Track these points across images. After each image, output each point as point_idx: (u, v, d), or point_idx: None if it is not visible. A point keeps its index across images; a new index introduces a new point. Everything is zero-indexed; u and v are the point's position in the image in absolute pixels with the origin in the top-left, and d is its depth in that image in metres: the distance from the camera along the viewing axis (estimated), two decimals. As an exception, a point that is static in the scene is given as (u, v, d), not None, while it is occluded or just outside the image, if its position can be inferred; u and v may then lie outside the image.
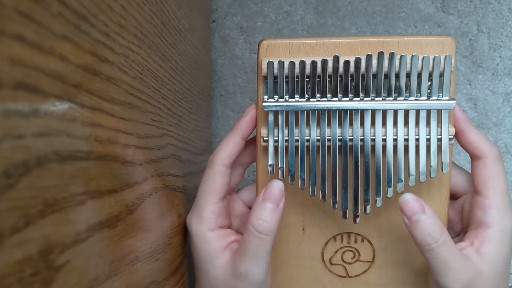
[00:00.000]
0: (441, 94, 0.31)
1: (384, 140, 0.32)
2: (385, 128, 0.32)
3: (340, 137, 0.32)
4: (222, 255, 0.33)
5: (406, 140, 0.32)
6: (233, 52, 0.58)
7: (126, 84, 0.25)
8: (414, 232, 0.31)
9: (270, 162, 0.32)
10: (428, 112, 0.32)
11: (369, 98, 0.31)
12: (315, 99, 0.31)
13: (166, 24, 0.33)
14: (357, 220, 0.33)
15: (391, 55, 0.30)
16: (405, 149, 0.32)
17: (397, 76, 0.31)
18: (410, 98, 0.31)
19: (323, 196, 0.32)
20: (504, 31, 0.54)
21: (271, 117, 0.32)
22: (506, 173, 0.33)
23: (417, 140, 0.32)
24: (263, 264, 0.32)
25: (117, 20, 0.23)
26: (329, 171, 0.32)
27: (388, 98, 0.31)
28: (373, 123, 0.32)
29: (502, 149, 0.54)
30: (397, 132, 0.32)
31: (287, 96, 0.31)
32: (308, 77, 0.31)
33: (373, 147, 0.32)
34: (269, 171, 0.32)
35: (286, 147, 0.32)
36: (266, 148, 0.32)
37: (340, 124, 0.32)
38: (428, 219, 0.31)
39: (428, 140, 0.32)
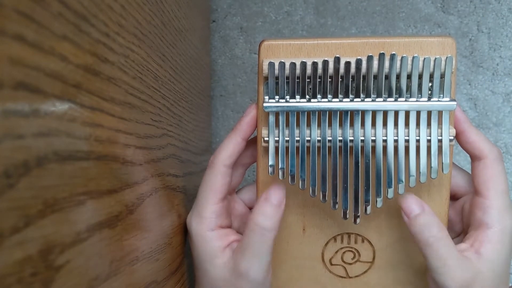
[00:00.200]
0: (441, 95, 0.31)
1: (385, 141, 0.32)
2: (386, 129, 0.32)
3: (341, 138, 0.32)
4: (222, 254, 0.33)
5: (407, 141, 0.32)
6: (233, 52, 0.58)
7: (126, 84, 0.25)
8: (413, 228, 0.32)
9: (270, 162, 0.32)
10: (429, 113, 0.32)
11: (370, 99, 0.31)
12: (316, 100, 0.31)
13: (166, 24, 0.33)
14: (358, 220, 0.33)
15: (392, 56, 0.30)
16: (405, 150, 0.32)
17: (398, 77, 0.31)
18: (410, 99, 0.31)
19: (324, 196, 0.32)
20: (504, 31, 0.54)
21: (272, 118, 0.32)
22: (506, 173, 0.33)
23: (418, 141, 0.32)
24: (264, 263, 0.32)
25: (117, 20, 0.23)
26: (329, 172, 0.32)
27: (389, 99, 0.31)
28: (373, 124, 0.32)
29: (502, 149, 0.54)
30: (397, 133, 0.32)
31: (288, 97, 0.31)
32: (309, 77, 0.31)
33: (373, 148, 0.32)
34: (269, 172, 0.32)
35: (287, 148, 0.32)
36: (266, 149, 0.32)
37: (341, 125, 0.32)
38: (427, 216, 0.32)
39: (429, 141, 0.32)
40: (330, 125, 0.32)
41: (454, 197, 0.36)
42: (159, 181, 0.31)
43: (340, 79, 0.31)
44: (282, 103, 0.31)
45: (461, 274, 0.31)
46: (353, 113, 0.31)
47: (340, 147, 0.32)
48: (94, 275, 0.20)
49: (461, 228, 0.36)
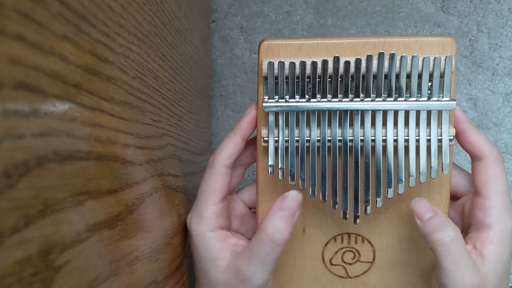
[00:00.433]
0: (441, 95, 0.31)
1: (385, 140, 0.32)
2: (386, 128, 0.32)
3: (341, 138, 0.32)
4: (222, 256, 0.33)
5: (407, 140, 0.32)
6: (233, 52, 0.58)
7: (126, 84, 0.25)
8: (427, 229, 0.31)
9: (270, 162, 0.32)
10: (429, 112, 0.32)
11: (370, 99, 0.31)
12: (315, 100, 0.31)
13: (166, 24, 0.33)
14: (358, 220, 0.33)
15: (392, 56, 0.30)
16: (405, 149, 0.32)
17: (398, 76, 0.31)
18: (410, 99, 0.31)
19: (323, 196, 0.32)
20: (504, 31, 0.54)
21: (271, 118, 0.32)
22: (506, 173, 0.33)
23: (418, 141, 0.32)
24: (269, 270, 0.32)
25: (117, 20, 0.23)
26: (329, 172, 0.32)
27: (388, 99, 0.31)
28: (373, 123, 0.32)
29: (502, 149, 0.54)
30: (397, 132, 0.32)
31: (287, 97, 0.31)
32: (308, 77, 0.31)
33: (373, 147, 0.32)
34: (269, 172, 0.32)
35: (287, 148, 0.32)
36: (266, 149, 0.32)
37: (340, 125, 0.32)
38: (440, 218, 0.32)
39: (429, 141, 0.32)
40: (329, 125, 0.32)
41: (454, 197, 0.36)
42: (159, 181, 0.31)
43: (339, 79, 0.31)
44: (282, 103, 0.31)
45: (471, 277, 0.30)
46: (352, 113, 0.31)
47: (339, 147, 0.32)
48: (94, 275, 0.21)
49: (462, 228, 0.36)
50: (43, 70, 0.16)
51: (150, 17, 0.29)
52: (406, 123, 0.32)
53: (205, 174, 0.34)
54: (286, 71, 0.31)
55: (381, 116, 0.31)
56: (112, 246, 0.23)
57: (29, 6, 0.15)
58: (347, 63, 0.30)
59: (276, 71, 0.31)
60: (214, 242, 0.33)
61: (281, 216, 0.32)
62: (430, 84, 0.31)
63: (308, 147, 0.32)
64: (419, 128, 0.32)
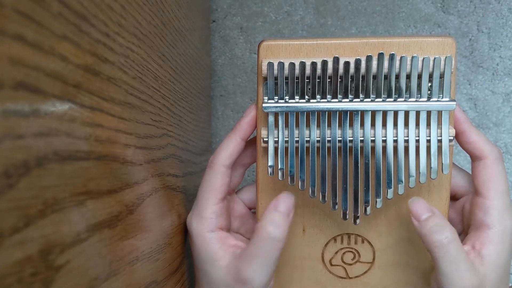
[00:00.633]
0: (441, 95, 0.31)
1: (384, 141, 0.32)
2: (385, 129, 0.32)
3: (340, 138, 0.32)
4: (222, 257, 0.33)
5: (406, 141, 0.32)
6: (233, 52, 0.58)
7: (126, 84, 0.25)
8: (424, 230, 0.31)
9: (270, 163, 0.32)
10: (428, 113, 0.32)
11: (369, 99, 0.31)
12: (315, 100, 0.31)
13: (166, 24, 0.33)
14: (357, 221, 0.33)
15: (391, 56, 0.30)
16: (405, 150, 0.32)
17: (397, 77, 0.31)
18: (410, 99, 0.31)
19: (323, 197, 0.32)
20: (504, 31, 0.54)
21: (271, 118, 0.32)
22: (506, 173, 0.33)
23: (417, 141, 0.32)
24: (269, 271, 0.32)
25: (117, 20, 0.23)
26: (329, 172, 0.32)
27: (388, 99, 0.31)
28: (373, 124, 0.32)
29: (502, 149, 0.54)
30: (397, 133, 0.32)
31: (287, 97, 0.31)
32: (308, 78, 0.31)
33: (373, 148, 0.32)
34: (269, 172, 0.32)
35: (286, 148, 0.32)
36: (266, 149, 0.32)
37: (340, 125, 0.32)
38: (437, 218, 0.31)
39: (428, 141, 0.32)
40: (329, 125, 0.32)
41: (454, 197, 0.36)
42: (159, 181, 0.31)
43: (339, 79, 0.31)
44: (281, 104, 0.31)
45: (469, 278, 0.30)
46: (352, 113, 0.31)
47: (339, 147, 0.32)
48: (94, 275, 0.21)
49: (461, 228, 0.36)
50: (43, 70, 0.16)
51: (150, 17, 0.29)
52: (406, 124, 0.32)
53: (205, 174, 0.34)
54: (286, 71, 0.31)
55: (380, 117, 0.31)
56: (112, 246, 0.23)
57: (29, 6, 0.15)
58: (346, 64, 0.30)
59: (275, 72, 0.31)
60: (214, 243, 0.33)
61: (277, 215, 0.32)
62: (430, 84, 0.31)
63: (307, 148, 0.32)
64: (419, 129, 0.32)
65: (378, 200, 0.32)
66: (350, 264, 0.36)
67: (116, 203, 0.23)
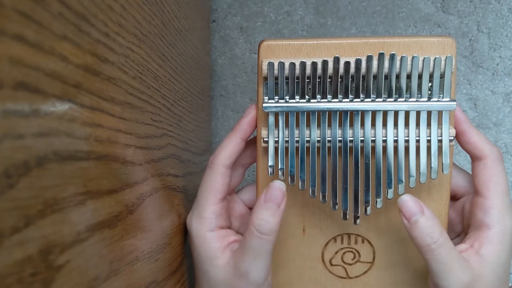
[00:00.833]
0: (441, 95, 0.31)
1: (385, 141, 0.32)
2: (386, 129, 0.32)
3: (341, 138, 0.32)
4: (222, 255, 0.33)
5: (407, 141, 0.32)
6: (233, 52, 0.58)
7: (126, 84, 0.25)
8: (414, 233, 0.31)
9: (270, 163, 0.32)
10: (429, 113, 0.32)
11: (370, 99, 0.31)
12: (315, 100, 0.31)
13: (166, 24, 0.33)
14: (358, 221, 0.33)
15: (392, 56, 0.30)
16: (405, 150, 0.32)
17: (398, 77, 0.31)
18: (410, 100, 0.31)
19: (323, 197, 0.32)
20: (504, 31, 0.54)
21: (271, 118, 0.32)
22: (506, 173, 0.33)
23: (418, 141, 0.32)
24: (264, 264, 0.32)
25: (117, 20, 0.23)
26: (329, 172, 0.32)
27: (388, 99, 0.31)
28: (373, 124, 0.32)
29: (502, 149, 0.54)
30: (397, 133, 0.32)
31: (287, 97, 0.31)
32: (308, 78, 0.31)
33: (373, 148, 0.32)
34: (269, 172, 0.32)
35: (287, 148, 0.32)
36: (266, 149, 0.32)
37: (340, 125, 0.32)
38: (427, 220, 0.31)
39: (429, 141, 0.32)
40: (329, 125, 0.32)
41: (454, 197, 0.36)
42: (159, 181, 0.31)
43: (339, 79, 0.31)
44: (282, 104, 0.31)
45: (462, 277, 0.31)
46: (352, 113, 0.31)
47: (339, 147, 0.32)
48: (94, 275, 0.20)
49: (462, 228, 0.36)
50: (43, 70, 0.16)
51: (150, 17, 0.29)
52: (406, 124, 0.32)
53: (205, 174, 0.34)
54: (286, 71, 0.31)
55: (381, 117, 0.31)
56: (112, 246, 0.23)
57: (29, 6, 0.15)
58: (347, 64, 0.30)
59: (276, 72, 0.31)
60: (214, 242, 0.33)
61: (266, 207, 0.32)
62: (430, 84, 0.31)
63: (308, 148, 0.32)
64: (419, 129, 0.32)
65: (378, 200, 0.32)
66: (350, 264, 0.36)
67: (116, 203, 0.23)
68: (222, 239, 0.34)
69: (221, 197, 0.34)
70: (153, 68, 0.30)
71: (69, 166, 0.18)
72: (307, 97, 0.31)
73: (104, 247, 0.22)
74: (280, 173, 0.32)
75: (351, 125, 0.32)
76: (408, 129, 0.32)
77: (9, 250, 0.14)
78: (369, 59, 0.30)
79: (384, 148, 0.32)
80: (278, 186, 0.32)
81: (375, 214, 0.35)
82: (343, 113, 0.31)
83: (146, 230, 0.28)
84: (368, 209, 0.33)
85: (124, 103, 0.25)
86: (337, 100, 0.31)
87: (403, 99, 0.31)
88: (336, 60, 0.30)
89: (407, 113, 0.31)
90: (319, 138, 0.32)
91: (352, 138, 0.32)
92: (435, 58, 0.31)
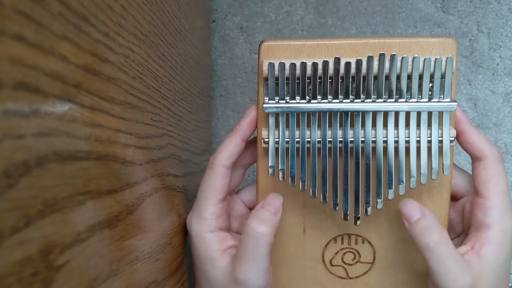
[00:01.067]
0: (442, 96, 0.31)
1: (385, 142, 0.32)
2: (386, 130, 0.32)
3: (341, 139, 0.32)
4: (221, 257, 0.33)
5: (407, 142, 0.32)
6: (233, 52, 0.58)
7: (126, 84, 0.25)
8: (414, 233, 0.32)
9: (270, 163, 0.32)
10: (429, 113, 0.31)
11: (370, 100, 0.31)
12: (316, 101, 0.31)
13: (166, 24, 0.33)
14: (358, 221, 0.33)
15: (392, 57, 0.30)
16: (406, 151, 0.32)
17: (398, 77, 0.31)
18: (411, 100, 0.31)
19: (324, 197, 0.32)
20: (504, 31, 0.54)
21: (271, 119, 0.32)
22: (506, 174, 0.33)
23: (418, 142, 0.32)
24: (261, 268, 0.31)
25: (117, 20, 0.23)
26: (330, 173, 0.32)
27: (389, 100, 0.31)
28: (374, 125, 0.32)
29: (502, 149, 0.54)
30: (398, 134, 0.32)
31: (288, 98, 0.31)
32: (309, 78, 0.31)
33: (374, 148, 0.32)
34: (269, 173, 0.32)
35: (287, 149, 0.32)
36: (266, 150, 0.32)
37: (341, 126, 0.32)
38: (427, 221, 0.31)
39: (429, 142, 0.32)
40: (330, 126, 0.32)
41: (454, 198, 0.36)
42: (159, 181, 0.31)
43: (340, 80, 0.31)
44: (282, 104, 0.31)
45: (462, 278, 0.31)
46: (353, 114, 0.31)
47: (340, 148, 0.32)
48: (94, 275, 0.20)
49: (462, 228, 0.36)
50: (43, 70, 0.16)
51: (150, 17, 0.29)
52: (407, 124, 0.32)
53: (205, 174, 0.34)
54: (287, 72, 0.31)
55: (382, 117, 0.31)
56: (112, 246, 0.23)
57: (29, 6, 0.15)
58: (347, 64, 0.30)
59: (276, 72, 0.31)
60: (213, 243, 0.33)
61: (263, 211, 0.32)
62: (430, 85, 0.31)
63: (308, 148, 0.32)
64: (419, 129, 0.32)
65: (379, 200, 0.32)
66: (351, 265, 0.36)
67: (116, 203, 0.23)
68: (221, 241, 0.34)
69: (221, 197, 0.34)
70: (153, 68, 0.30)
71: (69, 166, 0.18)
72: (307, 97, 0.31)
73: (104, 247, 0.22)
74: (280, 173, 0.32)
75: (352, 125, 0.32)
76: (409, 129, 0.32)
77: (9, 250, 0.14)
78: (370, 59, 0.30)
79: (385, 149, 0.32)
80: (276, 197, 0.34)
81: (376, 215, 0.35)
82: (344, 113, 0.31)
83: (146, 230, 0.28)
84: (369, 209, 0.33)
85: (124, 103, 0.25)
86: (337, 100, 0.31)
87: (404, 100, 0.31)
88: (337, 60, 0.30)
89: (407, 114, 0.31)
90: (320, 139, 0.32)
91: (352, 139, 0.32)
92: (435, 59, 0.31)
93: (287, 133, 0.32)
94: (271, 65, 0.31)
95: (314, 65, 0.31)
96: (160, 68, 0.32)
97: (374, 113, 0.31)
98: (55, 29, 0.17)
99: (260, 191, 0.35)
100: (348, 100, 0.31)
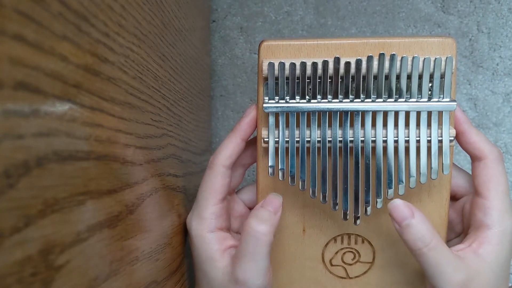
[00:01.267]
0: (441, 96, 0.31)
1: (385, 141, 0.32)
2: (386, 129, 0.32)
3: (341, 139, 0.32)
4: (221, 258, 0.33)
5: (407, 141, 0.32)
6: (233, 52, 0.58)
7: (126, 84, 0.25)
8: (405, 237, 0.31)
9: (270, 163, 0.32)
10: (429, 113, 0.32)
11: (370, 100, 0.31)
12: (315, 101, 0.31)
13: (166, 24, 0.33)
14: (358, 221, 0.33)
15: (392, 57, 0.30)
16: (405, 150, 0.32)
17: (398, 77, 0.31)
18: (411, 100, 0.31)
19: (324, 197, 0.32)
20: (504, 31, 0.54)
21: (271, 118, 0.32)
22: (506, 174, 0.33)
23: (418, 141, 0.32)
24: (261, 268, 0.31)
25: (117, 20, 0.23)
26: (329, 173, 0.32)
27: (389, 100, 0.31)
28: (373, 124, 0.32)
29: (502, 149, 0.54)
30: (397, 133, 0.32)
31: (287, 97, 0.31)
32: (309, 78, 0.31)
33: (373, 148, 0.32)
34: (269, 173, 0.32)
35: (287, 148, 0.32)
36: (266, 149, 0.32)
37: (341, 126, 0.32)
38: (418, 224, 0.31)
39: (429, 141, 0.32)
40: (330, 125, 0.32)
41: (454, 198, 0.36)
42: (159, 181, 0.31)
43: (340, 80, 0.31)
44: (282, 104, 0.31)
45: (457, 276, 0.31)
46: (353, 113, 0.31)
47: (340, 147, 0.32)
48: (94, 275, 0.20)
49: (462, 228, 0.36)
50: (43, 70, 0.16)
51: (150, 17, 0.29)
52: (407, 124, 0.32)
53: (205, 174, 0.34)
54: (287, 71, 0.31)
55: (381, 117, 0.31)
56: (112, 246, 0.23)
57: (29, 6, 0.15)
58: (347, 64, 0.30)
59: (276, 72, 0.31)
60: (213, 243, 0.33)
61: (263, 211, 0.32)
62: (430, 85, 0.31)
63: (308, 148, 0.32)
64: (419, 129, 0.32)
65: (378, 200, 0.32)
66: (350, 264, 0.36)
67: (116, 203, 0.23)
68: (221, 242, 0.34)
69: (221, 197, 0.34)
70: (153, 68, 0.30)
71: (69, 166, 0.18)
72: (307, 97, 0.31)
73: (104, 247, 0.22)
74: (280, 173, 0.32)
75: (352, 125, 0.32)
76: (409, 129, 0.32)
77: (9, 250, 0.14)
78: (370, 59, 0.30)
79: (385, 149, 0.32)
80: (276, 197, 0.33)
81: (375, 215, 0.35)
82: (344, 113, 0.31)
83: (146, 230, 0.28)
84: (368, 209, 0.33)
85: (124, 103, 0.25)
86: (337, 100, 0.31)
87: (404, 100, 0.31)
88: (337, 60, 0.30)
89: (407, 114, 0.31)
90: (320, 139, 0.32)
91: (352, 139, 0.32)
92: (435, 59, 0.31)
93: (287, 132, 0.32)
94: (271, 65, 0.31)
95: (314, 65, 0.31)
96: (160, 68, 0.32)
97: (374, 113, 0.31)
98: (55, 29, 0.17)
99: (260, 190, 0.35)
100: (348, 100, 0.31)
